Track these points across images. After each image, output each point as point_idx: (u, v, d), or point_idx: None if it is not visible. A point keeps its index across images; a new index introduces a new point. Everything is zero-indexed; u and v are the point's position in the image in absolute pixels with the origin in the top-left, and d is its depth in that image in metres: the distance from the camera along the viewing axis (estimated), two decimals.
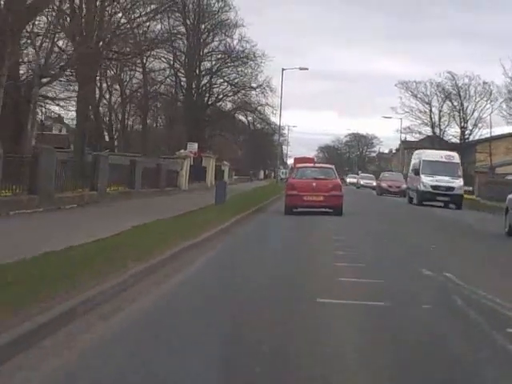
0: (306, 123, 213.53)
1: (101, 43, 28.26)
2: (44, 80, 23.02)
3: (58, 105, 29.07)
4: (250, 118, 58.16)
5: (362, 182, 72.66)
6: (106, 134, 51.00)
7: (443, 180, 34.64)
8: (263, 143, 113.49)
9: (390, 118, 76.96)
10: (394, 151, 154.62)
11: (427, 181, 34.67)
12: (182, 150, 39.36)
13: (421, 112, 74.02)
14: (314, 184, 22.57)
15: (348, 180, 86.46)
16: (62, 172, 20.55)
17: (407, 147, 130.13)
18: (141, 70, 44.70)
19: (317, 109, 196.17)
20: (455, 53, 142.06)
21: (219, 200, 24.22)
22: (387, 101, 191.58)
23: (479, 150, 67.20)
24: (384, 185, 49.63)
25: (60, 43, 24.75)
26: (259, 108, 52.96)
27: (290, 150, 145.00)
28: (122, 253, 9.64)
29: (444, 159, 36.34)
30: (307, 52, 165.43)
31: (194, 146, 42.79)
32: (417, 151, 42.83)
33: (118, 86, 49.89)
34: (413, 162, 40.07)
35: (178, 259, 10.67)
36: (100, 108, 49.99)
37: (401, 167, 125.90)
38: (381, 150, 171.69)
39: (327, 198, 22.36)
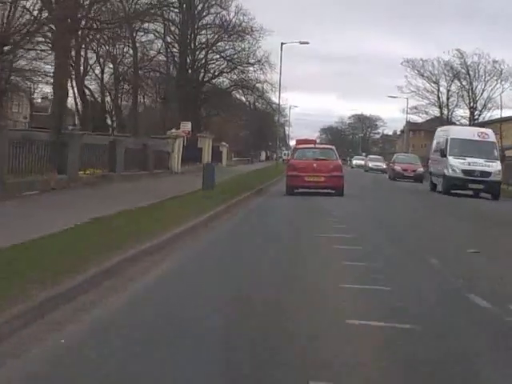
0: (309, 105, 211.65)
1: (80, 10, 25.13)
2: (6, 48, 19.91)
3: (27, 78, 25.91)
4: (250, 99, 54.78)
5: (370, 164, 66.99)
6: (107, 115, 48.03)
7: (477, 163, 28.25)
8: (265, 124, 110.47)
9: (395, 97, 73.57)
10: (398, 133, 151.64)
11: (457, 164, 28.28)
12: (174, 130, 36.26)
13: (428, 92, 70.70)
14: (315, 165, 22.48)
15: (354, 162, 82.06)
16: (22, 153, 17.54)
17: (412, 128, 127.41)
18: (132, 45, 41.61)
19: (319, 90, 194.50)
20: (460, 33, 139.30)
21: (207, 185, 21.22)
22: (391, 82, 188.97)
23: None
24: (398, 168, 43.61)
25: (28, 4, 21.41)
26: (258, 85, 49.79)
27: (292, 132, 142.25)
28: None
29: (477, 137, 29.15)
30: (309, 33, 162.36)
31: (187, 126, 39.69)
32: (442, 128, 35.55)
33: (111, 64, 46.82)
34: (436, 140, 32.90)
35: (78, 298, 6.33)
36: (92, 87, 47.07)
37: (406, 149, 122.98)
38: (385, 132, 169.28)
39: (328, 178, 22.28)
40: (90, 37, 32.29)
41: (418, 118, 76.43)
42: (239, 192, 21.05)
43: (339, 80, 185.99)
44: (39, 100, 72.07)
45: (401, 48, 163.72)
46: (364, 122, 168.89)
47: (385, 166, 58.78)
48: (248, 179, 31.48)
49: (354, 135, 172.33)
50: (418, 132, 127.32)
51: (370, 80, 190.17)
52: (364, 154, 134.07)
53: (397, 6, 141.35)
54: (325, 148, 26.28)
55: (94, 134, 31.49)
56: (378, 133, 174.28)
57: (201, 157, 45.62)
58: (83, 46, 35.04)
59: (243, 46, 47.05)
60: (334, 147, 26.02)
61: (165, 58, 45.79)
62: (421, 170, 42.15)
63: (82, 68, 39.63)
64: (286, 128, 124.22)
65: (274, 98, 51.99)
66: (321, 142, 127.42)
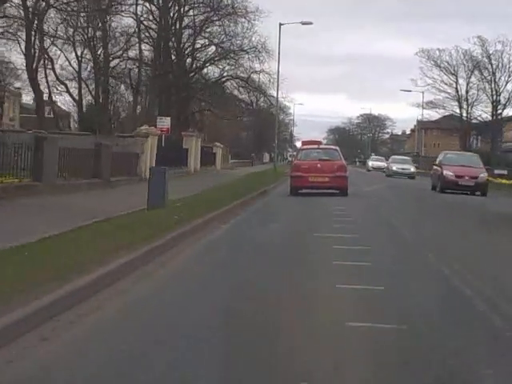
0: (316, 106, 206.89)
1: None
2: None
3: None
4: (245, 93, 47.00)
5: (394, 167, 50.15)
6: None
7: None
8: (268, 124, 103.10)
9: (409, 91, 65.94)
10: (408, 132, 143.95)
11: None
12: (145, 126, 28.90)
13: (445, 84, 63.05)
14: (319, 165, 22.35)
15: (371, 164, 66.41)
16: None
17: (424, 127, 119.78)
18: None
19: (327, 91, 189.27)
20: (466, 33, 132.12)
21: (153, 201, 13.79)
22: (398, 83, 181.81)
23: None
24: (449, 174, 29.42)
25: None
26: (253, 76, 42.27)
27: (299, 133, 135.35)
28: None
29: None
30: (315, 34, 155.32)
31: (164, 122, 32.41)
32: None
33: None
34: None
35: None
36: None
37: (416, 149, 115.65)
38: (393, 132, 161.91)
39: (332, 178, 22.12)
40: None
41: (434, 114, 68.52)
42: (201, 212, 13.63)
43: (347, 81, 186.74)
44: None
45: (408, 48, 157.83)
46: (372, 122, 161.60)
47: (413, 170, 50.10)
48: (233, 187, 24.16)
49: (363, 135, 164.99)
50: (430, 130, 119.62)
51: (377, 81, 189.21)
52: (373, 154, 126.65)
53: (403, 6, 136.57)
54: (329, 148, 26.30)
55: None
56: (387, 133, 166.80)
57: (187, 159, 38.23)
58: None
59: (236, 30, 39.72)
60: (338, 148, 25.88)
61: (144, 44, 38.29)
62: (484, 175, 30.48)
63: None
64: (292, 127, 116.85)
65: (274, 91, 43.91)
66: (328, 143, 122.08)
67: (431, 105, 66.73)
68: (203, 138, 64.69)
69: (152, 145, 29.16)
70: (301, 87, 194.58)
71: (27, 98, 55.53)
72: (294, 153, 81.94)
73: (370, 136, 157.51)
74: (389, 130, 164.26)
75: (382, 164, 60.81)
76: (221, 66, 41.47)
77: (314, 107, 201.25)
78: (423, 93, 64.95)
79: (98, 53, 37.51)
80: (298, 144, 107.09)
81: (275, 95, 45.13)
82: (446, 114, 67.85)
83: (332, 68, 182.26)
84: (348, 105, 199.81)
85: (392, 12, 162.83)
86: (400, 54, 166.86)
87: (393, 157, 57.34)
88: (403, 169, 49.78)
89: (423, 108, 66.78)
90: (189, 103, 42.50)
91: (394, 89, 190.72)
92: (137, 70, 38.60)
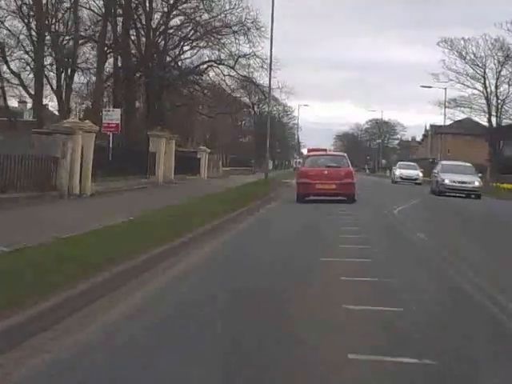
0: (323, 113, 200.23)
1: None
2: None
3: None
4: (230, 81, 37.25)
5: (447, 179, 30.68)
6: None
7: None
8: (272, 129, 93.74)
9: (429, 87, 56.33)
10: (421, 137, 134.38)
11: None
12: (73, 118, 19.76)
13: (473, 78, 53.54)
14: (326, 172, 21.64)
15: (399, 173, 47.14)
16: None
17: (438, 132, 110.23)
18: None
19: (333, 98, 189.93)
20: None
21: None
22: (406, 90, 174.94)
23: None
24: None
25: None
26: (242, 61, 32.72)
27: (306, 139, 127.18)
28: None
29: None
30: (319, 41, 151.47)
31: (113, 115, 23.35)
32: None
33: None
34: None
35: None
36: None
37: (430, 155, 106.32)
38: (403, 138, 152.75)
39: (340, 185, 21.22)
40: None
41: (459, 113, 58.78)
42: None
43: (354, 87, 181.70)
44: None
45: (414, 56, 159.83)
46: (382, 128, 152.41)
47: (478, 184, 37.73)
48: (186, 212, 14.93)
49: (371, 141, 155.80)
50: (444, 136, 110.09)
51: (384, 88, 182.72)
52: (384, 160, 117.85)
53: (410, 14, 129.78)
54: (336, 155, 25.57)
55: None
56: (397, 139, 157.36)
57: (154, 166, 28.99)
58: None
59: (220, 5, 30.37)
60: (345, 154, 25.01)
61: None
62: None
63: None
64: (296, 132, 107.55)
65: (269, 82, 33.73)
66: (335, 150, 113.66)
67: (455, 103, 57.09)
68: (190, 141, 55.84)
69: (86, 146, 19.89)
70: (307, 94, 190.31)
71: None
72: (300, 160, 73.83)
73: (379, 142, 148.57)
74: (399, 136, 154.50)
75: (415, 173, 45.42)
76: (201, 49, 32.04)
77: (321, 114, 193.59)
78: (445, 89, 55.48)
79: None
80: (305, 151, 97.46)
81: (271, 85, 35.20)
82: (472, 113, 57.95)
83: (339, 74, 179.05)
84: (355, 112, 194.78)
85: (399, 19, 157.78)
86: (409, 61, 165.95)
87: (442, 163, 37.36)
88: (464, 183, 35.05)
89: (445, 107, 57.10)
90: (161, 96, 33.26)
91: (402, 96, 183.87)
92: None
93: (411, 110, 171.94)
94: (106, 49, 26.12)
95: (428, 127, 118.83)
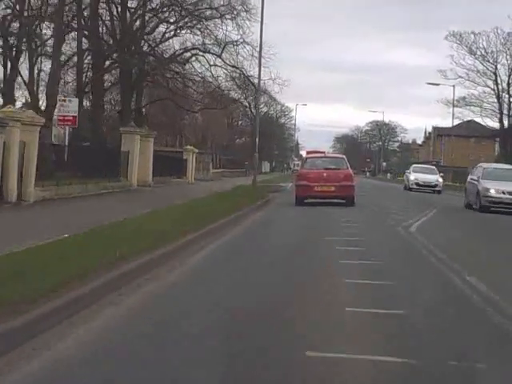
0: (322, 115, 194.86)
1: None
2: None
3: None
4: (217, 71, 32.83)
5: (493, 189, 21.82)
6: None
7: None
8: (268, 129, 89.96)
9: (436, 84, 52.29)
10: (422, 140, 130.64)
11: None
12: (9, 108, 15.84)
13: (483, 75, 49.56)
14: (325, 174, 21.22)
15: (414, 177, 37.93)
16: None
17: (440, 134, 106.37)
18: None
19: (333, 101, 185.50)
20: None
21: None
22: (406, 93, 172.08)
23: None
24: None
25: None
26: (230, 49, 28.57)
27: (305, 141, 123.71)
28: None
29: None
30: (318, 43, 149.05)
31: (69, 107, 19.46)
32: None
33: None
34: None
35: None
36: None
37: (432, 158, 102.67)
38: (404, 141, 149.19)
39: (339, 188, 20.89)
40: None
41: (468, 113, 54.81)
42: None
43: (353, 90, 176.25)
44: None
45: (413, 58, 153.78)
46: (382, 129, 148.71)
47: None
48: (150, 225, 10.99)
49: (372, 143, 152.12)
50: (447, 138, 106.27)
51: (384, 90, 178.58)
52: (384, 163, 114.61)
53: (408, 16, 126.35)
54: (335, 157, 25.28)
55: None
56: (398, 141, 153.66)
57: (126, 166, 25.03)
58: None
59: None
60: (344, 156, 24.39)
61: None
62: None
63: None
64: (294, 133, 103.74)
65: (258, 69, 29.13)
66: (334, 152, 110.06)
67: (464, 102, 53.07)
68: (180, 141, 51.95)
69: (30, 141, 15.95)
70: (306, 96, 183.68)
71: None
72: (299, 162, 70.29)
73: (380, 144, 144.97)
74: (399, 138, 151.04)
75: (434, 178, 36.62)
76: (184, 35, 27.91)
77: (321, 116, 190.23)
78: (454, 86, 51.46)
79: None
80: (304, 153, 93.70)
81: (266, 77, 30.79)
82: (482, 112, 53.85)
83: (338, 77, 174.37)
84: (355, 114, 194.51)
85: (398, 20, 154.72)
86: (408, 64, 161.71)
87: (483, 166, 29.31)
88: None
89: (454, 106, 53.06)
90: (138, 88, 29.19)
91: (402, 99, 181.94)
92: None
93: (411, 112, 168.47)
94: (64, 27, 22.12)
95: (430, 129, 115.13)
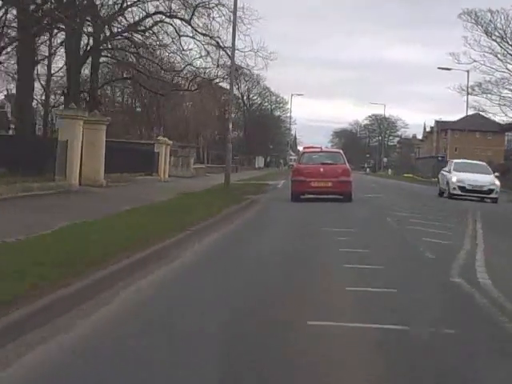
0: (321, 111, 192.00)
1: None
2: None
3: None
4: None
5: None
6: None
7: None
8: (264, 122, 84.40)
9: (448, 69, 46.29)
10: (424, 135, 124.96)
11: None
12: None
13: (504, 57, 43.60)
14: (322, 169, 20.62)
15: (457, 179, 26.16)
16: None
17: (444, 128, 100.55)
18: None
19: (331, 96, 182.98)
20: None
21: None
22: (405, 89, 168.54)
23: None
24: None
25: None
26: (202, 13, 22.27)
27: (303, 136, 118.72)
28: None
29: None
30: (319, 40, 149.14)
31: None
32: None
33: None
34: None
35: None
36: None
37: (435, 153, 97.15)
38: (404, 136, 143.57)
39: (336, 183, 20.34)
40: None
41: (485, 101, 48.87)
42: None
43: (352, 86, 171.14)
44: None
45: (412, 55, 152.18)
46: (382, 124, 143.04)
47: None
48: None
49: (371, 138, 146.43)
50: (452, 132, 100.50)
51: (384, 87, 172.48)
52: (385, 158, 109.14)
53: (408, 13, 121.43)
54: (332, 152, 25.29)
55: None
56: (398, 136, 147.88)
57: (65, 161, 19.16)
58: None
59: None
60: (341, 151, 24.13)
61: None
62: None
63: None
64: (293, 127, 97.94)
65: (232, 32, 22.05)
66: (332, 147, 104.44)
67: (480, 89, 47.00)
68: (157, 131, 46.09)
69: None
70: (305, 92, 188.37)
71: None
72: (296, 157, 64.62)
73: (380, 139, 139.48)
74: (399, 133, 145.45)
75: (488, 180, 25.98)
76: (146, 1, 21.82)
77: (319, 112, 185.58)
78: (468, 72, 45.52)
79: None
80: (301, 148, 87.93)
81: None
82: (501, 101, 47.83)
83: (337, 73, 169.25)
84: (354, 111, 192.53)
85: (398, 18, 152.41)
86: (407, 60, 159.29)
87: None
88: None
89: (468, 93, 47.06)
90: (96, 66, 23.27)
91: (401, 95, 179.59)
92: None
93: (409, 109, 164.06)
94: None
95: (431, 125, 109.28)
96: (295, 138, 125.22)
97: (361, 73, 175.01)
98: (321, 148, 25.03)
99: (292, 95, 67.60)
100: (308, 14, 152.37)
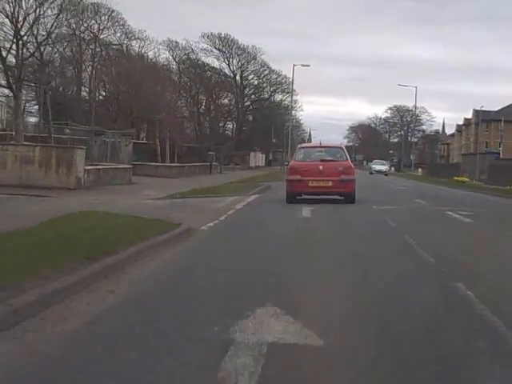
0: (335, 109, 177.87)
1: None
2: None
3: None
4: None
5: None
6: None
7: None
8: (265, 116, 65.71)
9: None
10: (456, 129, 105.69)
11: None
12: None
13: None
14: (321, 167, 18.29)
15: None
16: None
17: (485, 119, 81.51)
18: None
19: (346, 95, 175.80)
20: (482, 37, 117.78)
21: None
22: (419, 87, 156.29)
23: None
24: None
25: None
26: None
27: (318, 135, 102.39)
28: None
29: None
30: (332, 38, 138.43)
31: None
32: None
33: None
34: None
35: None
36: None
37: (473, 149, 78.80)
38: (428, 131, 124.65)
39: (337, 183, 17.97)
40: None
41: None
42: None
43: (367, 84, 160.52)
44: None
45: (424, 53, 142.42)
46: (405, 117, 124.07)
47: None
48: None
49: (392, 133, 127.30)
50: (494, 123, 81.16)
51: (393, 85, 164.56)
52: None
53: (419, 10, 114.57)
54: (332, 147, 21.24)
55: None
56: (422, 130, 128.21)
57: None
58: None
59: None
60: (343, 146, 21.61)
61: None
62: None
63: None
64: (306, 123, 79.04)
65: None
66: (348, 143, 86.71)
67: None
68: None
69: None
70: (319, 89, 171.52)
71: None
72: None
73: (401, 134, 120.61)
74: (425, 127, 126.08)
75: None
76: None
77: (334, 110, 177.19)
78: None
79: None
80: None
81: None
82: None
83: (348, 71, 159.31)
84: (370, 109, 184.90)
85: (411, 15, 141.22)
86: (421, 58, 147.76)
87: None
88: None
89: None
90: None
91: (418, 93, 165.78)
92: None
93: (425, 105, 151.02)
94: None
95: (447, 122, 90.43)
96: (310, 135, 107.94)
97: (375, 70, 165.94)
98: (319, 143, 21.83)
99: (294, 66, 48.30)
100: (319, 12, 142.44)
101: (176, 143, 41.02)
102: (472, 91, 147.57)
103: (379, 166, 63.47)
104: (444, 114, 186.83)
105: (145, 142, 39.76)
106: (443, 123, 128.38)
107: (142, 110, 33.95)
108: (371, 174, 56.07)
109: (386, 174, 57.10)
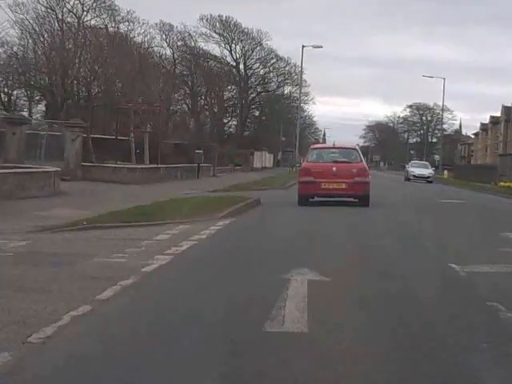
0: (351, 110, 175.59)
1: None
2: None
3: None
4: None
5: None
6: None
7: None
8: (272, 111, 58.15)
9: None
10: (480, 128, 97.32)
11: None
12: None
13: None
14: (334, 168, 17.99)
15: None
16: None
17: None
18: None
19: (361, 95, 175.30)
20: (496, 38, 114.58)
21: None
22: (434, 88, 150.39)
23: None
24: None
25: None
26: None
27: (334, 136, 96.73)
28: None
29: None
30: (342, 37, 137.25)
31: None
32: None
33: None
34: None
35: None
36: None
37: (501, 149, 71.20)
38: (450, 130, 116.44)
39: (351, 185, 17.58)
40: None
41: None
42: None
43: (382, 85, 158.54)
44: None
45: (439, 53, 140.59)
46: (425, 115, 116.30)
47: None
48: None
49: (411, 132, 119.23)
50: None
51: (412, 85, 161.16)
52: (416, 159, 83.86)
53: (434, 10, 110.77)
54: (346, 148, 20.82)
55: None
56: (443, 130, 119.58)
57: None
58: None
59: None
60: (357, 147, 21.10)
61: None
62: None
63: None
64: (321, 123, 71.28)
65: None
66: (364, 143, 79.22)
67: None
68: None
69: None
70: (334, 90, 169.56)
71: None
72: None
73: (421, 134, 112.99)
74: (446, 126, 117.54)
75: None
76: None
77: (348, 111, 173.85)
78: None
79: None
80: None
81: None
82: None
83: (366, 71, 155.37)
84: (384, 109, 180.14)
85: (426, 15, 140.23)
86: (435, 58, 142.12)
87: None
88: None
89: None
90: None
91: (430, 93, 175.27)
92: None
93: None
94: None
95: (464, 123, 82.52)
96: (324, 135, 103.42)
97: (392, 70, 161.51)
98: (333, 144, 21.51)
99: (303, 47, 40.19)
100: (333, 13, 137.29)
101: (160, 140, 33.28)
102: (485, 92, 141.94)
103: (421, 169, 44.59)
104: (460, 115, 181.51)
105: (111, 137, 32.10)
106: (460, 123, 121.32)
107: (105, 95, 26.29)
108: (408, 180, 41.76)
109: (430, 181, 40.80)
